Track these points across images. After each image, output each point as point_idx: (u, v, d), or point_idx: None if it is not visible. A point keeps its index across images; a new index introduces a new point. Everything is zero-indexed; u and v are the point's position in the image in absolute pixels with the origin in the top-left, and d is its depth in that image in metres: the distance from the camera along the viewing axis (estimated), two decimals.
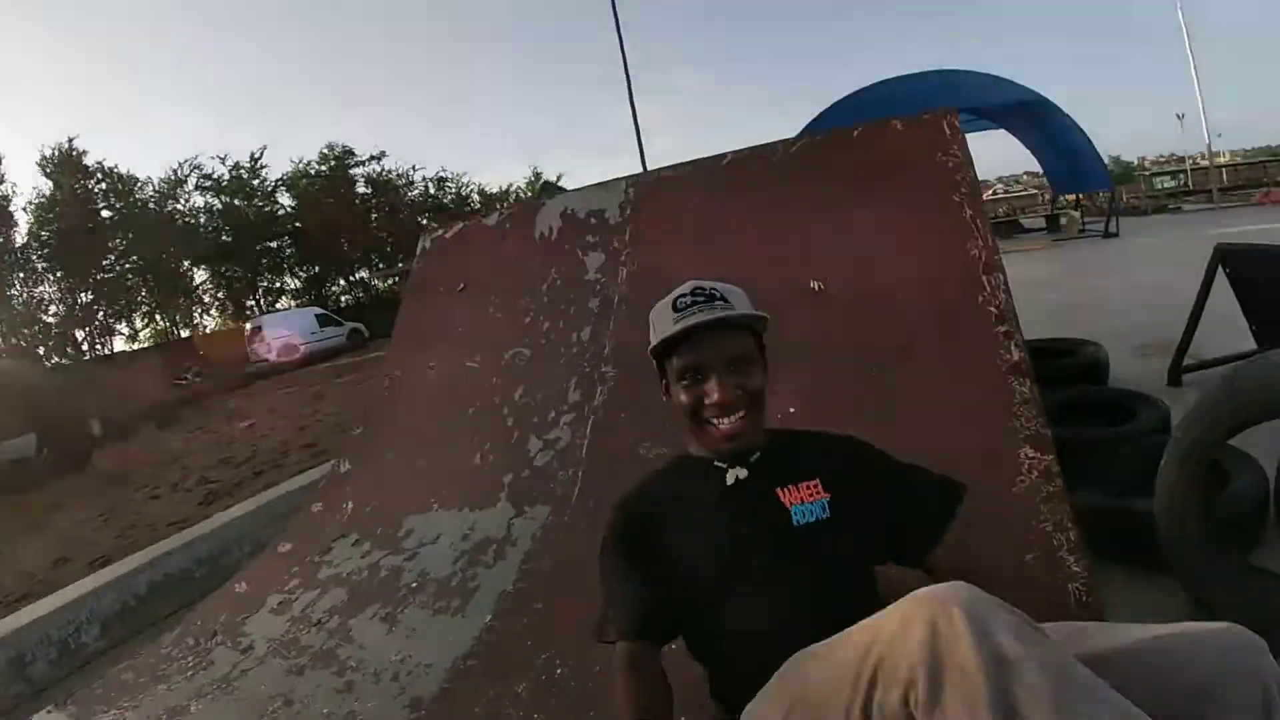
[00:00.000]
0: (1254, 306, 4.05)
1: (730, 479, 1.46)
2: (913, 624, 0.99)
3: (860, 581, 1.40)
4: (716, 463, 1.48)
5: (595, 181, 3.77)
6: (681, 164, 3.42)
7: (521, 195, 39.09)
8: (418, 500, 3.03)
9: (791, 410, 2.42)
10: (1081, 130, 15.81)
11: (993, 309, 2.33)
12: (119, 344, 27.76)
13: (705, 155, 3.41)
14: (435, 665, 2.18)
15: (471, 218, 4.39)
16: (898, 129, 2.89)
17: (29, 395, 9.32)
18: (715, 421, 1.43)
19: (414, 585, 2.59)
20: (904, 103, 13.21)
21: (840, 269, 2.72)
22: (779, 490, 1.43)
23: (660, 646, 1.40)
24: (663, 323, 1.45)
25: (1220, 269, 4.10)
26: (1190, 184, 29.51)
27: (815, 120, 13.84)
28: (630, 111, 22.02)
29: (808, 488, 1.43)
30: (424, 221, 35.66)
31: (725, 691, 1.40)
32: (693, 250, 3.01)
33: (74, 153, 25.88)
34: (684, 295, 1.45)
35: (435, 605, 2.45)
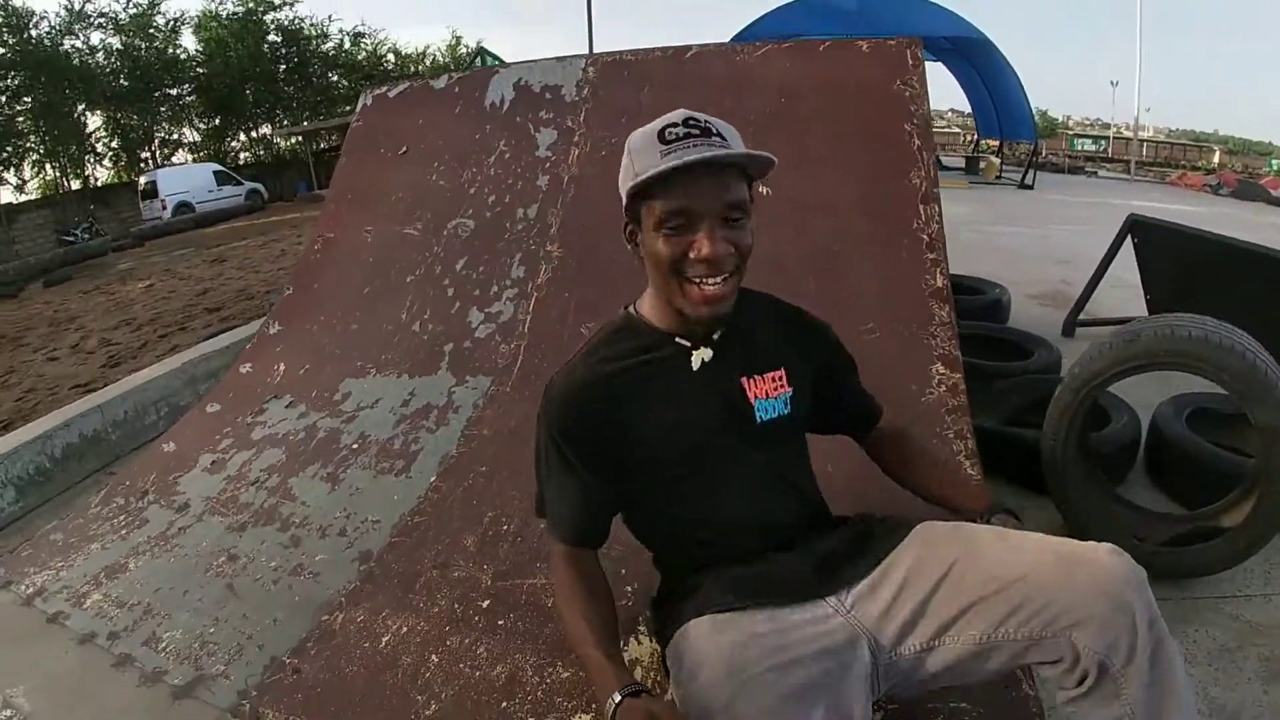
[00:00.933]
0: (1153, 278, 4.33)
1: (696, 362, 1.36)
2: None
3: (805, 469, 1.48)
4: (679, 339, 1.37)
5: (528, 57, 3.70)
6: (644, 49, 3.37)
7: (440, 60, 37.47)
8: (354, 365, 3.03)
9: None
10: (1017, 78, 16.09)
11: (925, 236, 2.51)
12: (5, 195, 25.74)
13: (652, 45, 3.39)
14: (382, 521, 2.25)
15: (398, 80, 4.23)
16: (863, 51, 2.96)
17: None
18: (699, 281, 1.25)
19: (354, 447, 2.63)
20: (854, 16, 13.20)
21: (790, 177, 2.78)
22: (744, 380, 1.36)
23: (600, 547, 1.43)
24: (646, 155, 1.23)
25: (1130, 238, 4.36)
26: (1110, 152, 30.34)
27: (759, 20, 13.83)
28: None
29: (773, 379, 1.38)
30: (334, 78, 33.89)
31: (666, 567, 1.46)
32: None
33: None
34: (674, 125, 1.23)
35: (378, 466, 2.50)
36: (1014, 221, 10.31)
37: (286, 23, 32.73)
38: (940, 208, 2.54)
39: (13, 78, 24.48)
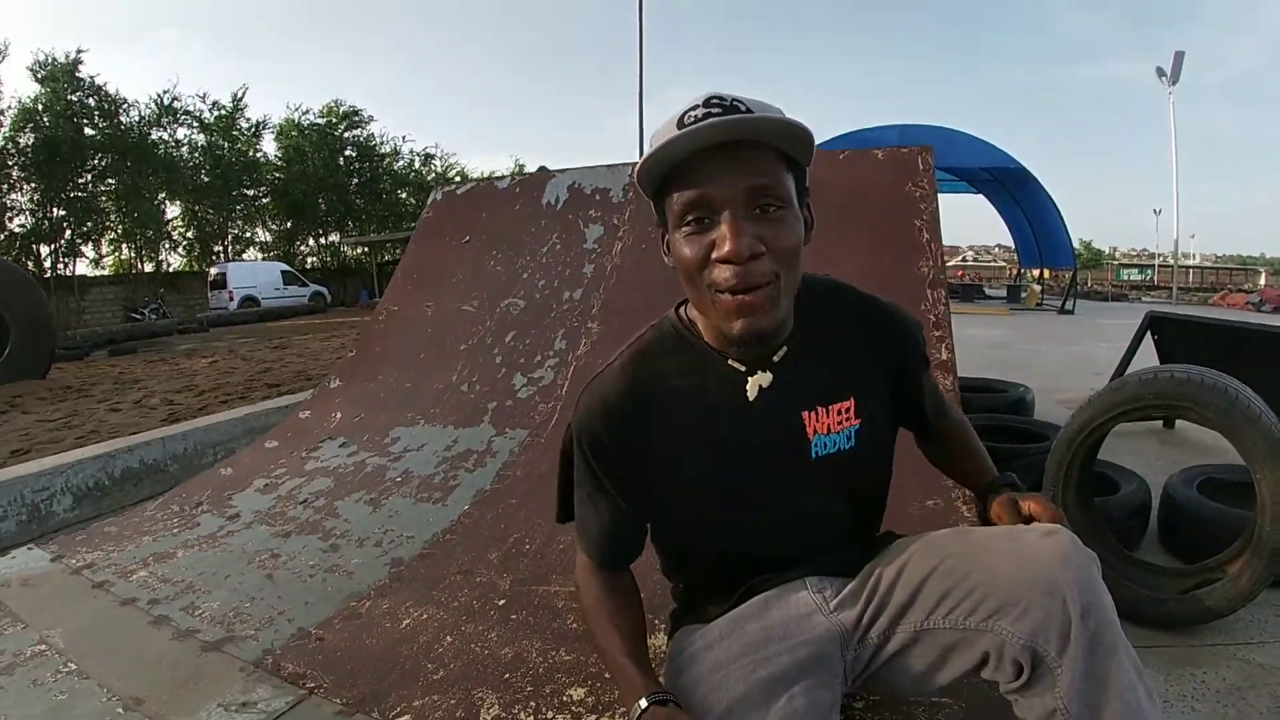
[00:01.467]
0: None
1: (752, 390, 1.18)
2: None
3: (865, 500, 1.33)
4: (732, 362, 1.19)
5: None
6: None
7: None
8: (405, 416, 3.34)
9: None
10: (1055, 206, 16.61)
11: (932, 316, 2.75)
12: (80, 267, 27.32)
13: None
14: (416, 537, 2.50)
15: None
16: (878, 158, 3.32)
17: (5, 286, 9.28)
18: (725, 291, 1.05)
19: (398, 480, 2.90)
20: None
21: (806, 267, 3.07)
22: (805, 413, 1.20)
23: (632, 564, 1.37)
24: (659, 142, 1.05)
25: (1149, 334, 4.51)
26: (1156, 280, 30.75)
27: None
28: (638, 113, 22.29)
29: (839, 412, 1.21)
30: (403, 195, 35.75)
31: (678, 577, 1.42)
32: None
33: (77, 64, 25.47)
34: (694, 107, 1.05)
35: (418, 495, 2.77)
36: (1050, 341, 10.81)
37: (362, 139, 34.98)
38: (946, 291, 2.80)
39: (101, 158, 26.30)
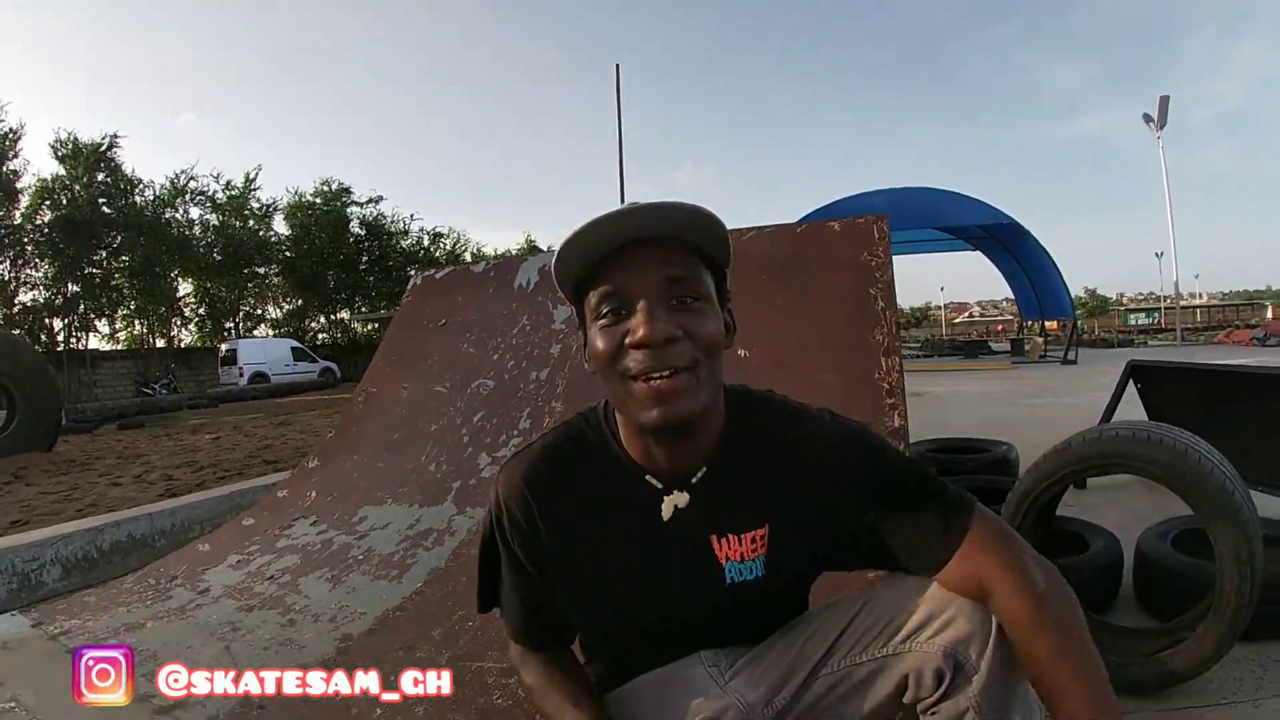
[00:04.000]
0: (1155, 414, 4.33)
1: (666, 510, 1.15)
2: None
3: (783, 614, 1.25)
4: (650, 477, 1.16)
5: None
6: None
7: None
8: (374, 495, 3.47)
9: None
10: (1050, 256, 16.77)
11: (885, 385, 2.79)
12: (93, 341, 27.83)
13: None
14: (368, 614, 2.61)
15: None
16: (834, 229, 3.37)
17: (13, 361, 9.54)
18: (639, 378, 1.01)
19: (360, 557, 3.02)
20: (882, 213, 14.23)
21: (766, 341, 3.15)
22: (715, 539, 1.15)
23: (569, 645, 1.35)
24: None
25: (1132, 382, 4.48)
26: (1162, 322, 30.83)
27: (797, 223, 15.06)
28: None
29: (750, 540, 1.15)
30: (412, 272, 36.40)
31: (596, 667, 1.35)
32: None
33: (112, 147, 26.59)
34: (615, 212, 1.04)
35: (376, 573, 2.89)
36: (1050, 394, 11.00)
37: (371, 217, 35.82)
38: (900, 359, 2.85)
39: (114, 236, 27.03)
